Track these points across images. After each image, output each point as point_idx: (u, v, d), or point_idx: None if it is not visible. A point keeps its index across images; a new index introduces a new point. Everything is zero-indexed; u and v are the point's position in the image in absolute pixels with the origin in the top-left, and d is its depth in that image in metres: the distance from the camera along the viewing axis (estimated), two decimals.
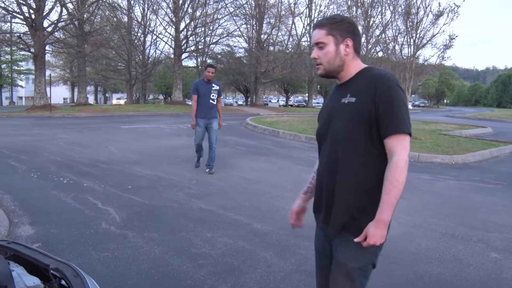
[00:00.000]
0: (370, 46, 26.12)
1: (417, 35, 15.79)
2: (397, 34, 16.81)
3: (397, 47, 16.95)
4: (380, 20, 19.92)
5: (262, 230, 5.27)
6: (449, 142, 14.83)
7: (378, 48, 25.61)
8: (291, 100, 69.89)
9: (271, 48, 48.69)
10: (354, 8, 46.77)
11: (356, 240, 2.12)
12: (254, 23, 45.31)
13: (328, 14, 49.71)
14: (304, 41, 47.76)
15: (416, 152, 11.79)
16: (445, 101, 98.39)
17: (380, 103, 2.08)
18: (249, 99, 56.83)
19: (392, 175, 2.06)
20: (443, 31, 19.66)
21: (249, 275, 4.04)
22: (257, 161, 10.13)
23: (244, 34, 46.71)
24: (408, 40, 16.06)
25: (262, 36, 45.27)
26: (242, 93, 67.98)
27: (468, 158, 11.79)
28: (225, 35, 44.80)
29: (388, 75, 2.15)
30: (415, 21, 15.72)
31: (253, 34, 46.05)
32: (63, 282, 1.77)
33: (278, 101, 77.79)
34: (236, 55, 50.73)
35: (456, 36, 15.26)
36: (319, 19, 2.43)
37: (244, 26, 46.01)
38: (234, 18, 44.03)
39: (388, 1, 17.42)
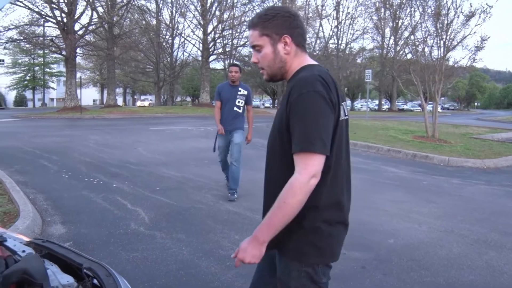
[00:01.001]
0: (398, 48, 25.82)
1: (447, 37, 15.49)
2: (426, 35, 16.52)
3: (426, 49, 16.66)
4: (409, 21, 19.59)
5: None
6: (480, 146, 14.51)
7: (407, 50, 25.23)
8: None
9: None
10: (383, 10, 46.42)
11: (232, 256, 1.93)
12: None
13: (355, 16, 49.61)
14: (332, 44, 47.56)
15: (446, 156, 11.59)
16: (475, 104, 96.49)
17: (289, 114, 1.81)
18: (276, 101, 56.81)
19: (282, 194, 1.78)
20: (475, 32, 19.23)
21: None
22: None
23: None
24: (438, 42, 15.77)
25: None
26: (269, 95, 68.08)
27: (501, 163, 11.52)
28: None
29: (308, 79, 1.82)
30: (445, 23, 15.43)
31: None
32: (95, 281, 1.79)
33: None
34: None
35: (488, 38, 14.87)
36: (251, 17, 2.05)
37: None
38: None
39: (417, 2, 17.13)
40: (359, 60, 57.10)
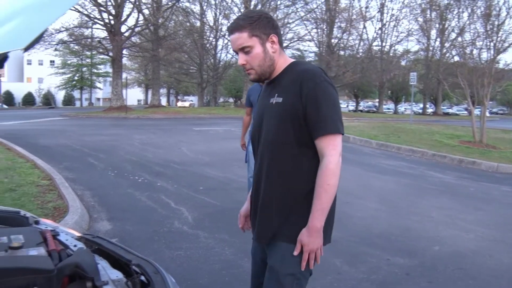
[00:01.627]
0: (444, 50, 25.17)
1: (498, 38, 15.02)
2: (475, 37, 16.05)
3: (475, 51, 16.20)
4: (457, 23, 19.10)
5: (332, 237, 5.15)
6: None
7: (454, 52, 24.57)
8: (361, 105, 68.69)
9: (342, 52, 48.11)
10: (429, 11, 45.48)
11: (294, 253, 1.99)
12: (325, 28, 44.98)
13: (400, 18, 48.71)
14: (376, 46, 46.90)
15: (495, 162, 11.22)
16: None
17: (308, 102, 1.93)
18: None
19: (322, 179, 1.93)
20: None
21: (318, 281, 3.98)
22: None
23: (314, 39, 46.49)
24: (488, 43, 15.31)
25: (332, 40, 44.87)
26: None
27: None
28: (295, 39, 44.85)
29: (315, 71, 1.99)
30: (496, 23, 14.96)
31: (324, 38, 45.72)
32: (142, 278, 1.82)
33: (347, 106, 76.62)
34: (306, 59, 50.58)
35: None
36: (233, 21, 2.11)
37: (314, 30, 45.80)
38: (305, 22, 43.96)
39: (466, 3, 16.66)
40: (403, 63, 56.04)
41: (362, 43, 47.76)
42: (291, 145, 1.99)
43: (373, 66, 45.63)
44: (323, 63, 44.28)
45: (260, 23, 2.01)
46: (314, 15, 43.92)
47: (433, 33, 50.50)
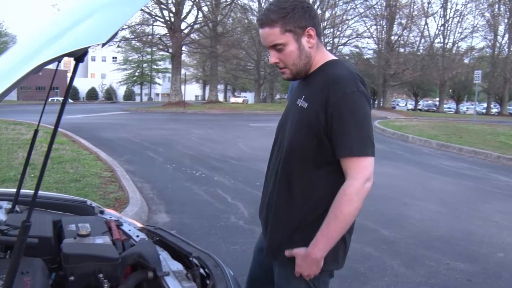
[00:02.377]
0: None
1: None
2: None
3: None
4: None
5: (390, 238, 5.09)
6: None
7: None
8: (420, 104, 66.87)
9: (401, 49, 47.03)
10: (497, 6, 43.57)
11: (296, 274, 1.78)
12: (384, 24, 44.10)
13: (465, 13, 46.94)
14: (437, 43, 45.47)
15: None
16: None
17: (333, 115, 1.64)
18: (376, 102, 55.47)
19: (336, 204, 1.65)
20: None
21: (375, 282, 3.92)
22: (384, 166, 9.80)
23: (373, 35, 45.67)
24: None
25: (392, 37, 43.91)
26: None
27: None
28: (354, 36, 44.24)
29: (347, 77, 1.67)
30: None
31: (383, 35, 44.82)
32: (201, 270, 1.85)
33: (406, 104, 74.87)
34: (365, 56, 49.80)
35: None
36: (263, 13, 1.76)
37: (373, 27, 45.00)
38: (364, 19, 43.30)
39: None
40: (466, 60, 54.03)
41: (423, 40, 46.56)
42: (308, 158, 1.74)
43: (434, 63, 44.26)
44: (382, 60, 43.49)
45: (295, 16, 1.69)
46: (374, 12, 43.22)
47: (501, 28, 48.41)
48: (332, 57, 1.83)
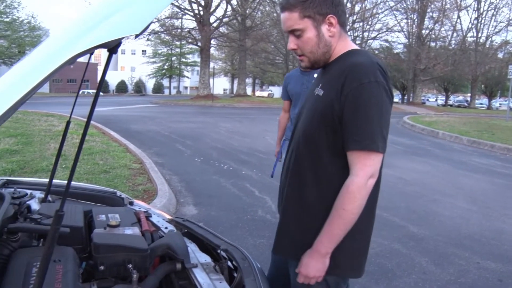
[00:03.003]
0: None
1: None
2: None
3: None
4: None
5: (418, 234, 5.01)
6: None
7: None
8: (450, 100, 65.62)
9: (433, 44, 46.20)
10: None
11: (296, 270, 1.72)
12: (415, 18, 43.38)
13: (500, 6, 45.71)
14: (470, 37, 44.50)
15: None
16: None
17: (346, 104, 1.56)
18: (405, 97, 54.69)
19: (338, 201, 1.59)
20: None
21: (403, 279, 3.88)
22: (414, 162, 9.66)
23: (404, 29, 45.00)
24: None
25: (423, 31, 43.18)
26: (398, 90, 65.66)
27: None
28: (384, 30, 43.61)
29: (366, 66, 1.57)
30: None
31: (414, 29, 44.10)
32: (229, 263, 1.86)
33: (436, 100, 73.57)
34: (395, 51, 49.11)
35: None
36: None
37: (404, 20, 44.32)
38: (394, 12, 42.65)
39: None
40: (500, 55, 52.65)
41: (455, 34, 45.58)
42: (321, 149, 1.67)
43: (466, 58, 43.34)
44: (413, 55, 42.83)
45: (315, 1, 1.62)
46: (404, 5, 42.52)
47: None
48: (355, 46, 1.75)
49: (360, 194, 1.56)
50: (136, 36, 0.94)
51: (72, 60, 0.91)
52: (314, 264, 1.66)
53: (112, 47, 0.94)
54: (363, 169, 1.56)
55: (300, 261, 1.71)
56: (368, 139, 1.54)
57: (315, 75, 3.61)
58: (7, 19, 42.21)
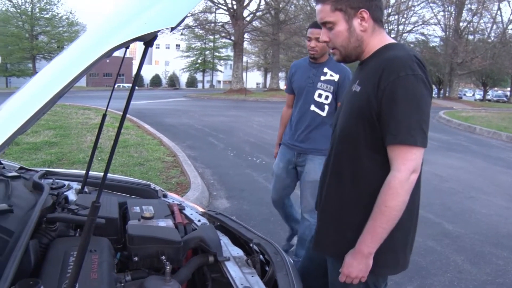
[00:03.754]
0: None
1: None
2: None
3: None
4: None
5: (454, 232, 4.91)
6: None
7: None
8: (489, 94, 63.88)
9: (471, 37, 44.99)
10: None
11: (340, 270, 1.70)
12: (452, 10, 42.33)
13: None
14: (511, 29, 43.12)
15: None
16: None
17: (383, 99, 1.53)
18: (441, 91, 53.53)
19: (381, 198, 1.56)
20: None
21: (437, 277, 3.81)
22: (450, 158, 9.46)
23: (440, 22, 43.97)
24: None
25: (461, 23, 42.10)
26: (434, 84, 64.20)
27: None
28: (420, 23, 42.75)
29: (403, 60, 1.54)
30: None
31: (451, 21, 43.05)
32: (261, 257, 1.86)
33: (473, 94, 71.77)
34: (431, 44, 48.08)
35: None
36: None
37: (441, 13, 43.30)
38: (431, 5, 41.72)
39: None
40: None
41: (495, 27, 44.17)
42: (360, 146, 1.65)
43: (506, 51, 41.95)
44: (449, 48, 41.86)
45: None
46: None
47: None
48: (392, 41, 1.72)
49: (403, 189, 1.53)
50: (172, 29, 0.95)
51: (109, 53, 0.93)
52: (357, 264, 1.64)
53: (148, 40, 0.95)
54: (405, 163, 1.54)
55: (343, 260, 1.69)
56: (407, 133, 1.51)
57: (325, 69, 3.49)
58: (47, 16, 43.25)
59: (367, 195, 1.64)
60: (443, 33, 45.29)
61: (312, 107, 3.51)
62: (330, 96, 3.46)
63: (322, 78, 3.47)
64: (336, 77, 3.45)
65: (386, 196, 1.55)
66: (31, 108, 0.91)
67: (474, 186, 7.02)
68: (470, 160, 9.48)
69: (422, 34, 46.45)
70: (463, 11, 41.99)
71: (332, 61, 3.52)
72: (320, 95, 3.48)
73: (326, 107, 3.50)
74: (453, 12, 42.42)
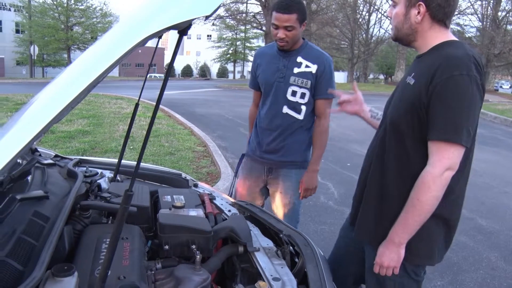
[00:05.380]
0: None
1: None
2: None
3: None
4: None
5: (487, 228, 4.81)
6: None
7: None
8: None
9: (509, 27, 43.65)
10: None
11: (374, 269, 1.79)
12: None
13: None
14: None
15: None
16: None
17: (433, 95, 1.58)
18: None
19: (414, 191, 1.62)
20: None
21: (469, 274, 3.74)
22: (484, 152, 9.21)
23: (477, 12, 42.78)
24: None
25: (499, 13, 40.89)
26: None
27: None
28: (455, 13, 41.69)
29: (460, 59, 1.57)
30: None
31: (489, 11, 41.86)
32: (291, 249, 1.85)
33: (510, 87, 69.77)
34: (466, 35, 46.88)
35: None
36: None
37: (478, 2, 42.11)
38: None
39: None
40: None
41: None
42: (407, 138, 1.70)
43: None
44: (486, 39, 40.76)
45: None
46: None
47: None
48: (452, 37, 1.74)
49: (435, 185, 1.57)
50: (206, 17, 0.95)
51: (144, 42, 0.93)
52: (388, 254, 1.71)
53: (183, 29, 0.95)
54: (441, 160, 1.58)
55: (377, 253, 1.77)
56: (451, 131, 1.56)
57: (299, 59, 2.76)
58: (82, 7, 43.96)
59: (407, 186, 1.68)
60: (480, 23, 44.10)
61: (285, 109, 2.80)
62: (307, 93, 2.76)
63: (296, 70, 2.75)
64: (313, 68, 2.74)
65: (418, 190, 1.60)
66: (67, 97, 0.92)
67: (509, 181, 6.84)
68: (505, 155, 9.25)
69: (458, 24, 45.29)
70: (502, 0, 40.78)
71: (306, 47, 2.80)
72: (294, 93, 2.76)
73: (303, 108, 2.80)
74: (492, 1, 41.23)
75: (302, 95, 2.75)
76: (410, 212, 1.63)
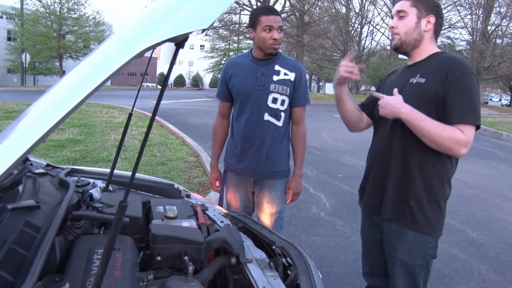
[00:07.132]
0: None
1: None
2: None
3: None
4: None
5: (478, 240, 4.83)
6: None
7: None
8: None
9: (499, 40, 44.14)
10: None
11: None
12: (480, 13, 41.61)
13: None
14: None
15: None
16: None
17: (451, 89, 1.98)
18: None
19: (446, 127, 1.98)
20: None
21: (460, 286, 3.76)
22: (475, 164, 9.29)
23: (467, 25, 43.24)
24: None
25: (489, 27, 41.36)
26: (510, 90, 63.27)
27: None
28: (446, 26, 42.10)
29: (463, 61, 2.05)
30: None
31: (479, 25, 42.32)
32: (284, 260, 1.85)
33: (500, 100, 70.35)
34: (457, 48, 47.35)
35: None
36: None
37: (468, 16, 42.58)
38: (458, 8, 41.06)
39: None
40: None
41: None
42: None
43: None
44: (476, 52, 41.17)
45: (427, 2, 2.12)
46: (469, 0, 40.82)
47: None
48: (440, 50, 2.17)
49: (456, 143, 1.96)
50: (203, 30, 0.95)
51: (141, 53, 0.93)
52: (390, 108, 2.08)
53: (180, 41, 0.95)
54: (468, 138, 1.96)
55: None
56: (473, 116, 1.96)
57: (276, 67, 2.81)
58: (75, 15, 43.91)
59: (428, 168, 2.08)
60: (470, 37, 44.56)
61: (266, 116, 2.82)
62: (287, 100, 2.83)
63: (275, 78, 2.80)
64: (291, 76, 2.82)
65: (449, 133, 1.94)
66: (62, 109, 0.92)
67: (499, 193, 6.89)
68: (495, 167, 9.31)
69: (448, 37, 45.78)
70: (492, 14, 41.24)
71: (282, 57, 2.89)
72: (275, 100, 2.81)
73: (282, 115, 2.85)
74: (481, 15, 41.70)
75: (282, 102, 2.82)
76: (433, 126, 1.96)
